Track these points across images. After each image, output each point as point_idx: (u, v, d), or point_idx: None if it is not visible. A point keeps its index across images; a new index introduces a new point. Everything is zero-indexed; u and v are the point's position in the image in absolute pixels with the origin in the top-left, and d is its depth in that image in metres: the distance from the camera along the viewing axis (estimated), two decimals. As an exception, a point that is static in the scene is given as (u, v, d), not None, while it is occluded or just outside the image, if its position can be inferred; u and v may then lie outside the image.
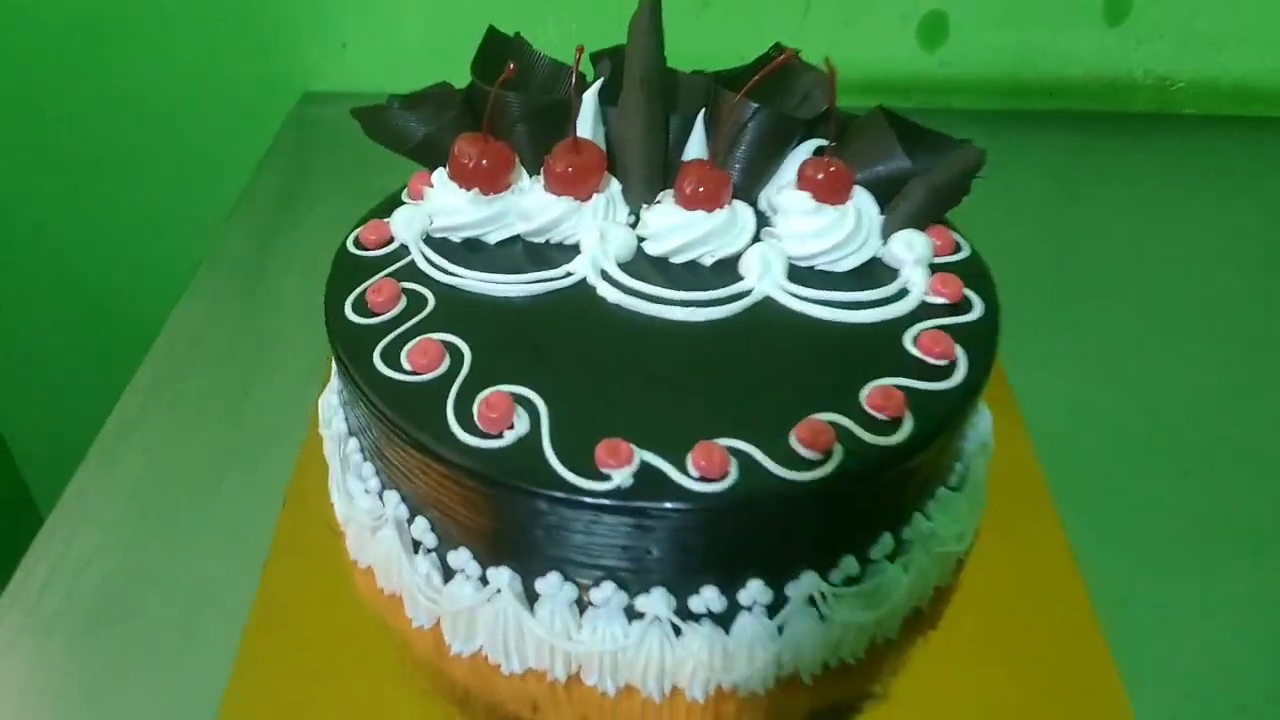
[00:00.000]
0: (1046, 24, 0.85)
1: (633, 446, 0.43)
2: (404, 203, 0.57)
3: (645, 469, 0.43)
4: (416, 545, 0.49)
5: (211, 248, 0.76)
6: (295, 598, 0.53)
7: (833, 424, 0.44)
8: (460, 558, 0.47)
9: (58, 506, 0.59)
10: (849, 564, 0.46)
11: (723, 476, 0.42)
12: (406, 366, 0.47)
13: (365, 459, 0.51)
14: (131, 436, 0.63)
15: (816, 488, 0.43)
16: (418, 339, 0.48)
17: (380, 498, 0.50)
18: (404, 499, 0.48)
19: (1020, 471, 0.58)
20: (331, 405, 0.55)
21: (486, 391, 0.45)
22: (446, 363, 0.47)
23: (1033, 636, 0.52)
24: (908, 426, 0.45)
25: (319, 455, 0.57)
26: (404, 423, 0.45)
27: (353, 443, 0.52)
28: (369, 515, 0.50)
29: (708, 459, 0.42)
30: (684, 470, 0.42)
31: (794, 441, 0.44)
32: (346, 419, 0.52)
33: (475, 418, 0.44)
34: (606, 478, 0.42)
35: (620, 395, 0.46)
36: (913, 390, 0.46)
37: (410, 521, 0.48)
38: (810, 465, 0.43)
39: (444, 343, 0.48)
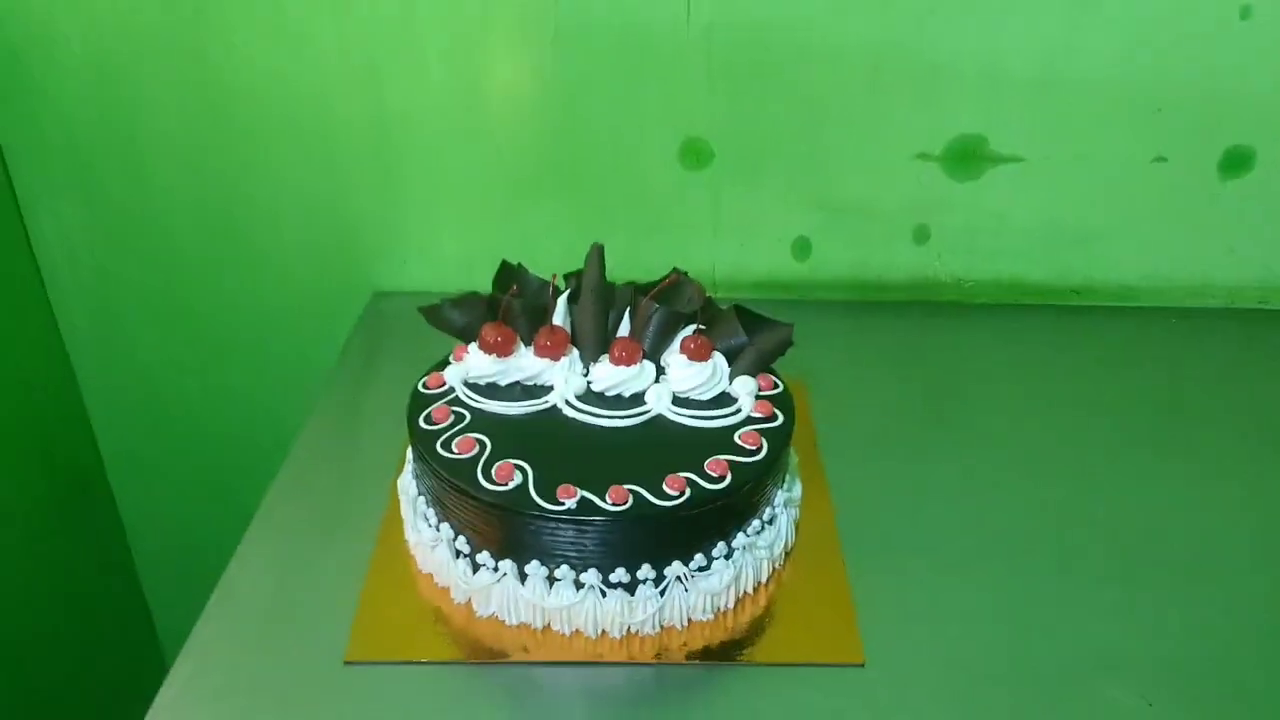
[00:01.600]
0: (875, 244, 1.26)
1: (577, 488, 0.80)
2: (450, 363, 0.96)
3: (584, 500, 0.79)
4: (458, 553, 0.85)
5: (316, 398, 1.14)
6: (389, 595, 0.88)
7: (686, 478, 0.82)
8: (483, 556, 0.83)
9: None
10: (699, 558, 0.82)
11: (626, 504, 0.79)
12: (455, 451, 0.84)
13: (428, 505, 0.88)
14: (268, 521, 0.99)
15: (677, 512, 0.80)
16: (461, 437, 0.86)
17: (437, 528, 0.86)
18: (452, 526, 0.85)
19: (820, 524, 0.94)
20: (407, 478, 0.92)
21: (499, 462, 0.83)
22: (477, 449, 0.84)
23: (809, 620, 0.87)
24: (728, 480, 0.82)
25: (396, 512, 0.93)
26: (454, 480, 0.82)
27: (421, 499, 0.89)
28: (430, 539, 0.87)
29: (617, 494, 0.79)
30: (604, 500, 0.79)
31: (665, 486, 0.81)
32: (418, 485, 0.90)
33: (493, 476, 0.82)
34: (562, 504, 0.79)
35: (572, 463, 0.83)
36: (734, 462, 0.84)
37: (455, 539, 0.85)
38: (674, 499, 0.80)
39: (476, 439, 0.85)
